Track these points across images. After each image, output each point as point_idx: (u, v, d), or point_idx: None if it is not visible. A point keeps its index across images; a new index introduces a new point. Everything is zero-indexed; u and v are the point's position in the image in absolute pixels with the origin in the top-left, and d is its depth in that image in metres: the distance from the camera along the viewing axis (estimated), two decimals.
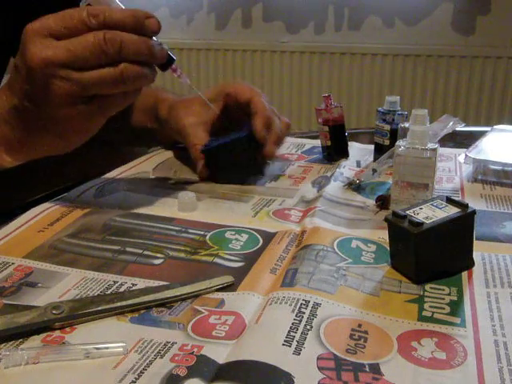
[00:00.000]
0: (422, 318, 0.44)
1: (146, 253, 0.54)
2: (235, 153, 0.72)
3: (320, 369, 0.38)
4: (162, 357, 0.39)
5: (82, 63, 0.52)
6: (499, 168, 0.75)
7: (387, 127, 0.78)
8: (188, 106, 0.77)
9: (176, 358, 0.39)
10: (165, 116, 0.80)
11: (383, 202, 0.65)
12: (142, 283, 0.49)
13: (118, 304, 0.44)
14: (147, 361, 0.39)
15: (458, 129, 0.78)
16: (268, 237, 0.58)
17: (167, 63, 0.58)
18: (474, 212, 0.50)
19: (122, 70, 0.53)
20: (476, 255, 0.52)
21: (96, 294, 0.47)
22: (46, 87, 0.52)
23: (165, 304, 0.46)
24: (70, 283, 0.49)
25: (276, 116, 0.76)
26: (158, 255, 0.54)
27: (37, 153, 0.60)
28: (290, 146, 0.90)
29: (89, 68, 0.52)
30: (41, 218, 0.61)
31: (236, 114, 0.76)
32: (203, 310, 0.45)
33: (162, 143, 0.87)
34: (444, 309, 0.45)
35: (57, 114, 0.55)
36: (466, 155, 0.75)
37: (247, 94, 0.74)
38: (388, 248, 0.52)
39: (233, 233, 0.58)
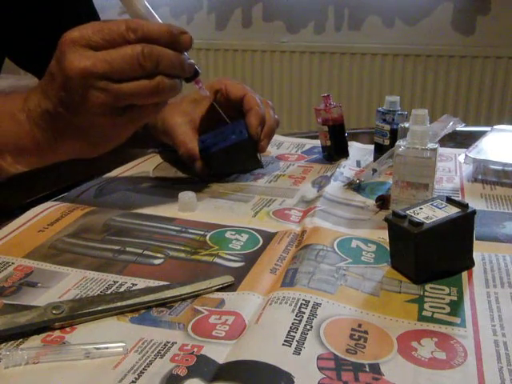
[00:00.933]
0: (422, 318, 0.44)
1: (146, 253, 0.54)
2: (237, 153, 0.72)
3: (320, 369, 0.38)
4: (161, 357, 0.39)
5: (120, 75, 0.53)
6: (499, 168, 0.75)
7: (387, 127, 0.78)
8: (174, 107, 0.77)
9: (176, 357, 0.39)
10: (152, 121, 0.79)
11: (383, 202, 0.65)
12: (142, 283, 0.49)
13: (118, 304, 0.44)
14: (147, 361, 0.39)
15: (457, 129, 0.78)
16: (268, 237, 0.58)
17: (193, 76, 0.60)
18: (474, 212, 0.50)
19: (159, 82, 0.55)
20: (476, 255, 0.52)
21: (96, 294, 0.47)
22: (83, 96, 0.54)
23: (165, 304, 0.46)
24: (70, 283, 0.49)
25: (270, 108, 0.76)
26: (158, 255, 0.54)
27: (64, 156, 0.61)
28: (289, 146, 0.90)
29: (126, 80, 0.54)
30: (41, 218, 0.61)
31: (226, 111, 0.76)
32: (203, 310, 0.45)
33: (151, 147, 0.87)
34: (444, 309, 0.45)
35: (90, 122, 0.56)
36: (466, 155, 0.75)
37: (239, 92, 0.74)
38: (388, 248, 0.52)
39: (233, 233, 0.58)
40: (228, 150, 0.71)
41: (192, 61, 0.59)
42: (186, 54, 0.58)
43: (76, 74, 0.53)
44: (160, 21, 0.59)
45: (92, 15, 0.94)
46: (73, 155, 0.61)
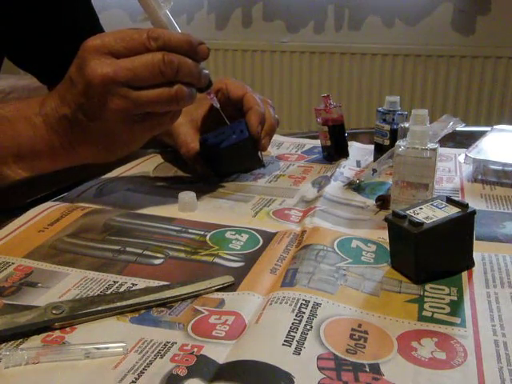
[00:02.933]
0: (421, 318, 0.44)
1: (146, 253, 0.54)
2: (238, 153, 0.72)
3: (320, 369, 0.38)
4: (161, 357, 0.39)
5: (140, 82, 0.55)
6: (499, 168, 0.75)
7: (387, 127, 0.78)
8: None
9: (176, 357, 0.39)
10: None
11: (383, 202, 0.65)
12: (142, 283, 0.49)
13: (118, 304, 0.44)
14: (147, 361, 0.39)
15: (458, 129, 0.78)
16: (268, 237, 0.58)
17: (206, 87, 0.63)
18: (474, 212, 0.50)
19: (177, 90, 0.56)
20: (476, 255, 0.52)
21: (96, 294, 0.47)
22: (103, 103, 0.55)
23: (165, 304, 0.46)
24: (70, 283, 0.49)
25: (269, 106, 0.76)
26: (158, 255, 0.54)
27: (77, 161, 0.62)
28: (290, 146, 0.90)
29: (146, 87, 0.55)
30: (41, 218, 0.61)
31: (227, 110, 0.76)
32: (203, 310, 0.45)
33: (151, 147, 0.87)
34: (444, 309, 0.45)
35: (108, 128, 0.57)
36: (466, 155, 0.75)
37: (239, 91, 0.75)
38: (388, 248, 0.52)
39: (233, 233, 0.58)
40: (229, 150, 0.71)
41: (207, 71, 0.61)
42: (201, 64, 0.59)
43: (98, 81, 0.54)
44: (179, 30, 0.60)
45: (90, 15, 0.95)
46: (87, 160, 0.62)
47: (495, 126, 0.89)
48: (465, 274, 0.50)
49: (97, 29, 0.96)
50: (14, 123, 0.59)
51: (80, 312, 0.43)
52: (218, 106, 0.69)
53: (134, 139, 0.60)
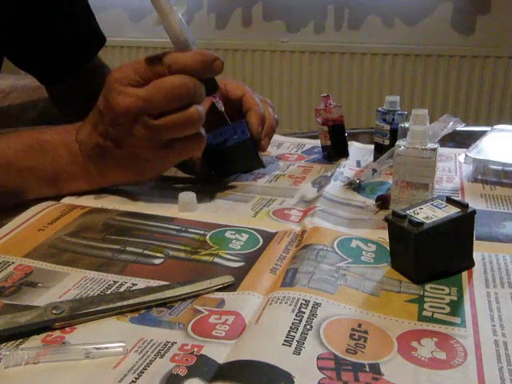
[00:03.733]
0: (422, 318, 0.44)
1: (146, 252, 0.54)
2: (239, 153, 0.72)
3: (320, 369, 0.38)
4: (161, 357, 0.39)
5: (158, 110, 0.58)
6: (499, 168, 0.75)
7: (387, 127, 0.78)
8: None
9: (176, 357, 0.39)
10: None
11: (383, 202, 0.65)
12: (142, 283, 0.49)
13: (118, 304, 0.44)
14: (147, 361, 0.39)
15: (458, 129, 0.78)
16: (268, 237, 0.58)
17: (212, 89, 0.66)
18: (474, 212, 0.50)
19: (192, 112, 0.59)
20: (476, 255, 0.52)
21: (96, 294, 0.47)
22: (128, 132, 0.59)
23: (165, 304, 0.46)
24: (70, 283, 0.49)
25: (269, 106, 0.77)
26: (158, 255, 0.54)
27: (111, 183, 0.67)
28: (290, 146, 0.90)
29: (165, 113, 0.58)
30: (40, 217, 0.61)
31: (226, 111, 0.76)
32: (203, 310, 0.45)
33: None
34: (444, 309, 0.45)
35: (135, 155, 0.61)
36: (466, 155, 0.75)
37: (239, 91, 0.75)
38: (388, 248, 0.52)
39: (233, 232, 0.58)
40: (230, 150, 0.71)
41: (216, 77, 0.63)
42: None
43: (120, 112, 0.58)
44: (191, 34, 0.62)
45: (88, 15, 0.95)
46: (119, 183, 0.67)
47: (495, 126, 0.89)
48: (465, 274, 0.50)
49: (94, 28, 0.97)
50: (55, 147, 0.64)
51: (80, 312, 0.43)
52: (222, 109, 0.69)
53: (161, 164, 0.64)
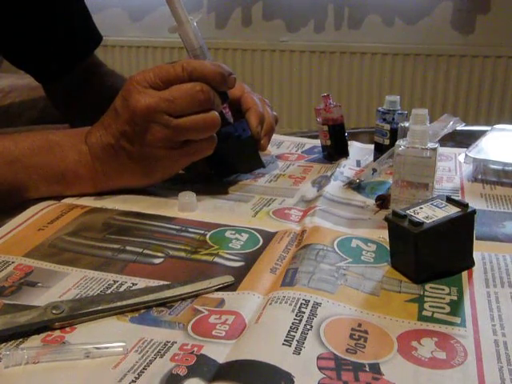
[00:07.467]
0: (422, 318, 0.44)
1: (146, 252, 0.54)
2: (239, 153, 0.72)
3: (320, 369, 0.38)
4: (161, 356, 0.39)
5: (180, 111, 0.60)
6: (499, 168, 0.75)
7: (387, 127, 0.78)
8: None
9: (176, 357, 0.39)
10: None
11: (383, 202, 0.65)
12: (142, 283, 0.49)
13: (118, 304, 0.44)
14: (147, 360, 0.39)
15: (457, 128, 0.78)
16: (268, 236, 0.58)
17: (223, 100, 0.66)
18: (474, 212, 0.50)
19: (213, 116, 0.61)
20: (476, 255, 0.52)
21: (96, 294, 0.47)
22: (146, 130, 0.60)
23: (165, 304, 0.46)
24: (70, 283, 0.49)
25: (267, 105, 0.77)
26: (158, 254, 0.54)
27: (117, 185, 0.67)
28: (290, 146, 0.90)
29: (185, 115, 0.60)
30: (40, 216, 0.61)
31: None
32: (203, 310, 0.45)
33: None
34: (444, 308, 0.45)
35: (149, 154, 0.62)
36: (466, 155, 0.75)
37: (237, 91, 0.75)
38: (388, 247, 0.52)
39: (233, 232, 0.58)
40: (230, 150, 0.71)
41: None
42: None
43: (141, 110, 0.59)
44: (204, 42, 0.66)
45: (84, 15, 0.95)
46: (126, 185, 0.67)
47: (495, 126, 0.89)
48: (465, 274, 0.50)
49: (90, 27, 0.97)
50: (63, 148, 0.65)
51: (80, 312, 0.43)
52: (231, 121, 0.70)
53: (172, 165, 0.65)
